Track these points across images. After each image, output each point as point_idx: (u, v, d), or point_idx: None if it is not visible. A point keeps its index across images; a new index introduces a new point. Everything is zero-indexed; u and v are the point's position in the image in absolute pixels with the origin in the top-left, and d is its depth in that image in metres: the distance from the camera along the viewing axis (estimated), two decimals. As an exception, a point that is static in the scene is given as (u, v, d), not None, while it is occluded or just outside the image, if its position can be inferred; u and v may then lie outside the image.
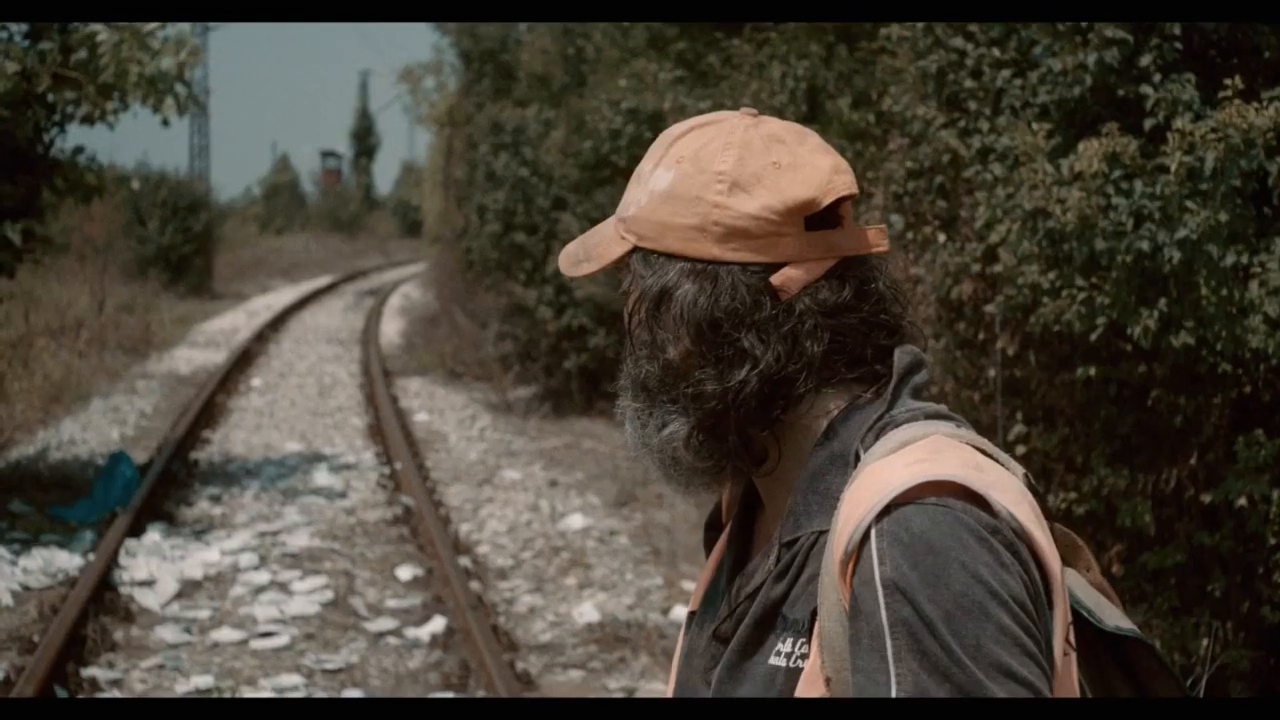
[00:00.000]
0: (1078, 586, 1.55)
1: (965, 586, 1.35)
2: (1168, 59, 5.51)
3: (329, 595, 8.66)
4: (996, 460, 1.48)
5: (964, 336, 6.05)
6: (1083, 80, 5.45)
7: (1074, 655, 1.47)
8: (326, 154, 71.49)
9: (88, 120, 10.10)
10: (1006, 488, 1.43)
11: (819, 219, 1.53)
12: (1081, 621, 1.52)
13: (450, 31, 22.23)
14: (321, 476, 12.05)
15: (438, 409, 16.13)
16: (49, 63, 9.91)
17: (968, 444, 1.47)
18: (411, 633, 7.97)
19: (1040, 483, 5.95)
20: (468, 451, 13.46)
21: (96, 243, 25.30)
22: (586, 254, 1.61)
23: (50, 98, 10.01)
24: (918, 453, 1.44)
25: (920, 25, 6.06)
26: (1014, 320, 5.73)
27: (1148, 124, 5.50)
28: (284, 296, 32.25)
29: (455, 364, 18.75)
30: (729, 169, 1.53)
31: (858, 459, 1.49)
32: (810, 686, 1.44)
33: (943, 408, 1.54)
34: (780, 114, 9.11)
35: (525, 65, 18.70)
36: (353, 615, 8.34)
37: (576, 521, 10.31)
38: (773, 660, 1.49)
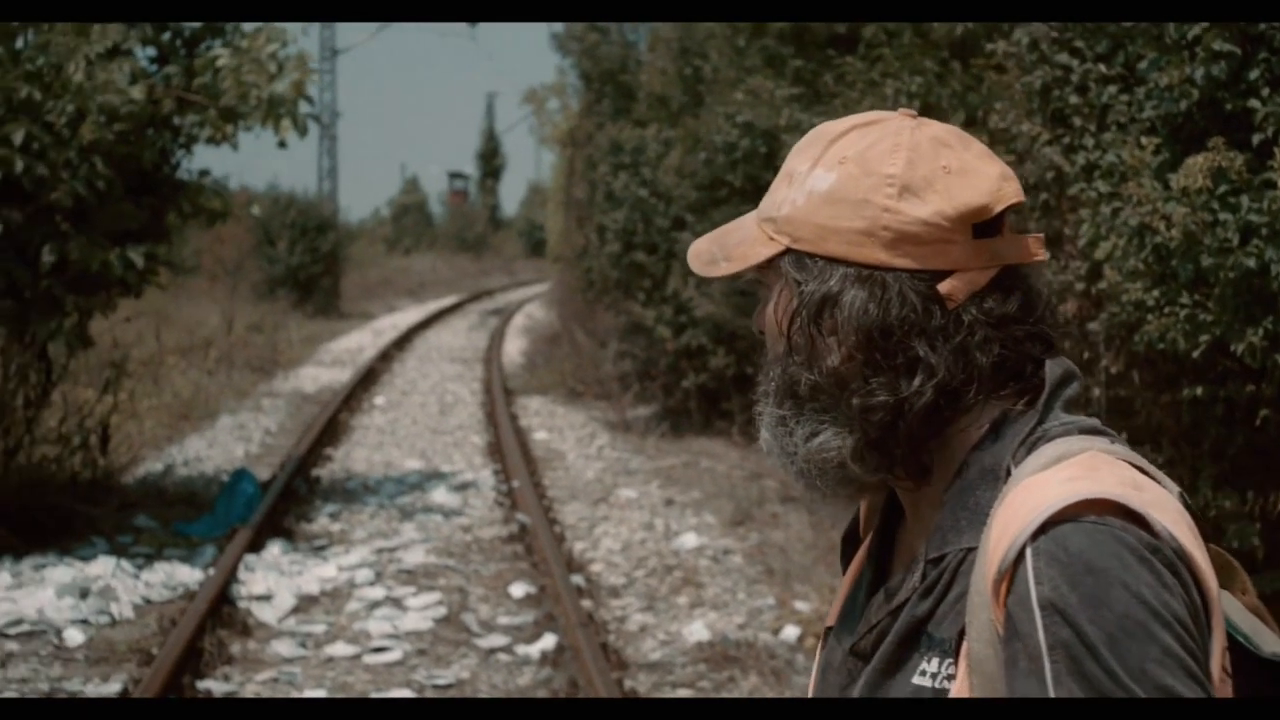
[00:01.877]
0: (1233, 610, 1.50)
1: (1127, 608, 1.32)
2: (1276, 72, 5.42)
3: (442, 611, 8.74)
4: (1154, 478, 1.44)
5: (1068, 355, 5.98)
6: (1189, 95, 5.38)
7: (1229, 682, 1.42)
8: (454, 175, 72.29)
9: (212, 141, 10.31)
10: (1165, 507, 1.40)
11: (985, 226, 1.51)
12: (1237, 647, 1.47)
13: (572, 53, 22.40)
14: (440, 494, 12.18)
15: (557, 427, 16.23)
16: (174, 86, 10.14)
17: (1124, 460, 1.44)
18: (522, 649, 8.02)
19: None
20: (585, 470, 13.53)
21: (226, 263, 25.83)
22: (725, 253, 1.57)
23: (175, 121, 10.24)
24: (1073, 469, 1.40)
25: (1026, 41, 6.01)
26: (1118, 338, 5.66)
27: (1255, 139, 5.40)
28: (410, 316, 32.63)
29: (575, 383, 18.85)
30: (899, 172, 1.49)
31: (1009, 474, 1.45)
32: None
33: (1097, 422, 1.51)
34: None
35: (644, 85, 18.79)
36: (465, 631, 8.42)
37: (690, 540, 10.32)
38: (916, 680, 1.46)
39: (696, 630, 8.22)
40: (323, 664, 7.82)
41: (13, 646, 7.88)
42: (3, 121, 9.12)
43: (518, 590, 9.17)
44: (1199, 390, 5.40)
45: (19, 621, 8.15)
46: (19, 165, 9.02)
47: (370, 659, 7.88)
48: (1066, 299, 5.79)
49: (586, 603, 8.70)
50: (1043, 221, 6.09)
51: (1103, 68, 5.74)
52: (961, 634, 1.41)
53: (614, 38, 21.34)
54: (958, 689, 1.41)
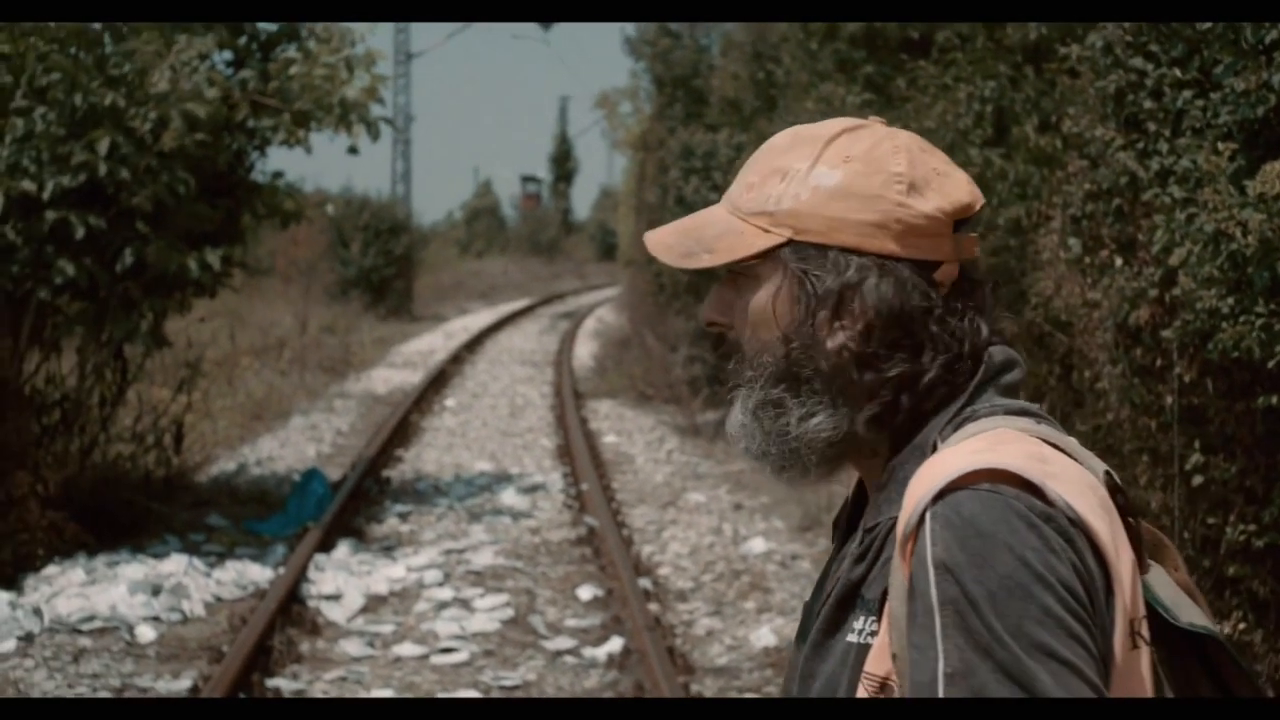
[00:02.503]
0: (1159, 584, 1.58)
1: (1010, 569, 1.41)
2: (1357, 77, 5.33)
3: (510, 613, 8.77)
4: (1073, 456, 1.54)
5: (1141, 363, 5.92)
6: (1266, 100, 5.30)
7: (1145, 650, 1.51)
8: (526, 179, 72.51)
9: (285, 144, 10.40)
10: (1070, 479, 1.49)
11: (959, 224, 1.64)
12: (1159, 618, 1.55)
13: (645, 57, 22.41)
14: (509, 496, 12.22)
15: (626, 431, 16.24)
16: (249, 90, 10.23)
17: (1039, 439, 1.53)
18: (589, 652, 8.03)
19: (1218, 514, 5.81)
20: (654, 474, 13.53)
21: (300, 265, 26.01)
22: (705, 246, 1.65)
23: (250, 124, 10.33)
24: (980, 443, 1.51)
25: (1100, 45, 5.96)
26: (1192, 346, 5.59)
27: (1335, 145, 5.32)
28: (481, 319, 32.76)
29: (645, 386, 18.86)
30: (904, 171, 1.61)
31: (934, 449, 1.56)
32: (878, 662, 1.51)
33: (1031, 405, 1.61)
34: (965, 137, 9.05)
35: (716, 90, 18.78)
36: (532, 633, 8.43)
37: (759, 545, 10.29)
38: (849, 638, 1.57)
39: (763, 635, 8.20)
40: (390, 664, 7.86)
41: (86, 642, 7.97)
42: (88, 127, 9.24)
43: (585, 593, 9.19)
44: (1274, 399, 5.32)
45: (92, 617, 8.24)
46: (102, 169, 9.13)
47: (437, 659, 7.91)
48: (1140, 305, 5.73)
49: (654, 606, 8.70)
50: (1116, 227, 6.03)
51: (1178, 72, 5.67)
52: (885, 594, 1.51)
53: (686, 42, 21.34)
54: (879, 644, 1.51)
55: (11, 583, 8.82)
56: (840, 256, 1.60)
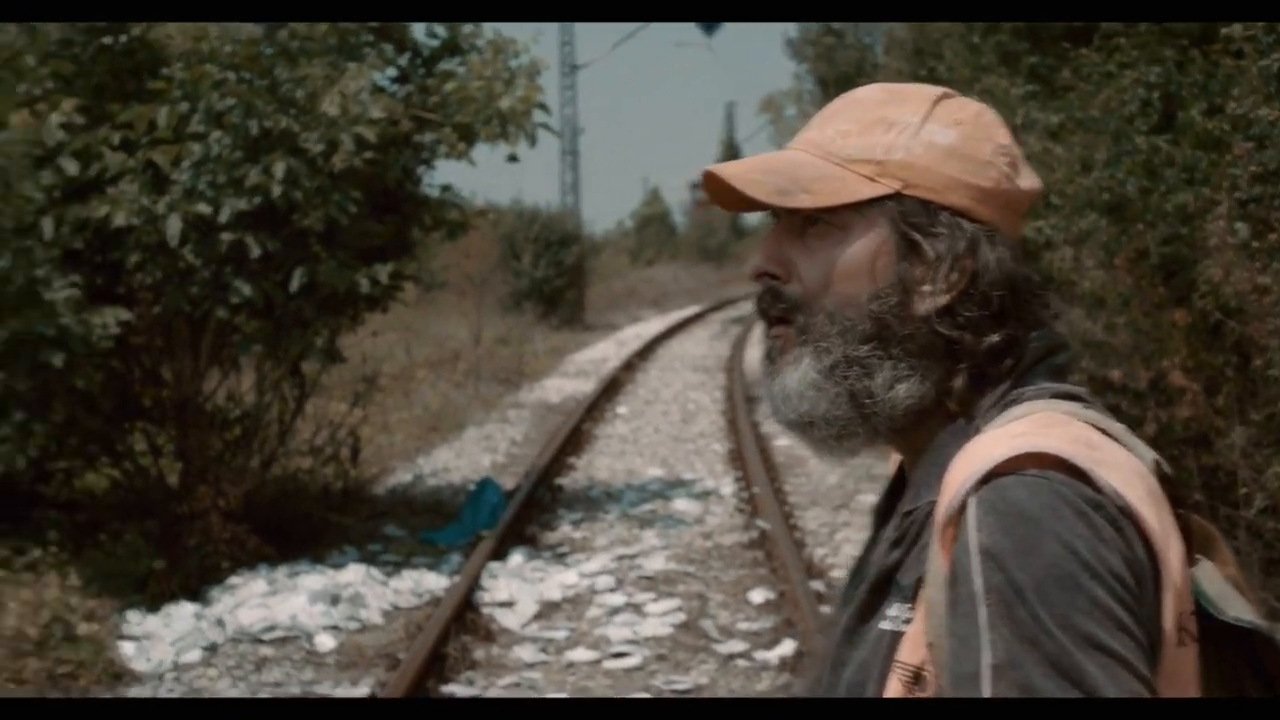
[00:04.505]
0: (1206, 577, 1.51)
1: (1057, 557, 1.35)
2: None
3: (681, 617, 8.79)
4: (1121, 442, 1.48)
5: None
6: None
7: (1193, 646, 1.44)
8: (695, 185, 72.63)
9: (449, 157, 10.54)
10: (1119, 466, 1.43)
11: None
12: (1205, 613, 1.48)
13: (807, 58, 22.34)
14: (680, 501, 12.25)
15: (798, 434, 16.16)
16: (412, 104, 10.40)
17: (1087, 423, 1.48)
18: (761, 655, 8.02)
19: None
20: (827, 476, 13.45)
21: (473, 278, 26.35)
22: (802, 186, 1.56)
23: (415, 139, 10.50)
24: (1025, 425, 1.45)
25: (1261, 24, 5.80)
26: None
27: None
28: (652, 326, 32.88)
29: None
30: (1008, 144, 1.59)
31: (977, 432, 1.51)
32: (912, 651, 1.46)
33: (1079, 389, 1.55)
34: (1131, 124, 8.86)
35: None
36: (704, 637, 8.44)
37: (931, 545, 10.18)
38: (882, 625, 1.52)
39: (937, 636, 8.11)
40: (564, 669, 7.92)
41: (268, 651, 8.17)
42: (262, 151, 9.47)
43: (757, 596, 9.17)
44: None
45: (273, 627, 8.44)
46: (276, 191, 9.35)
47: (610, 664, 7.96)
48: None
49: (827, 609, 8.65)
50: (1286, 209, 5.86)
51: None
52: (920, 580, 1.47)
53: (849, 41, 21.22)
54: (913, 632, 1.46)
55: (196, 594, 9.08)
56: (952, 218, 1.55)
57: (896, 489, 1.66)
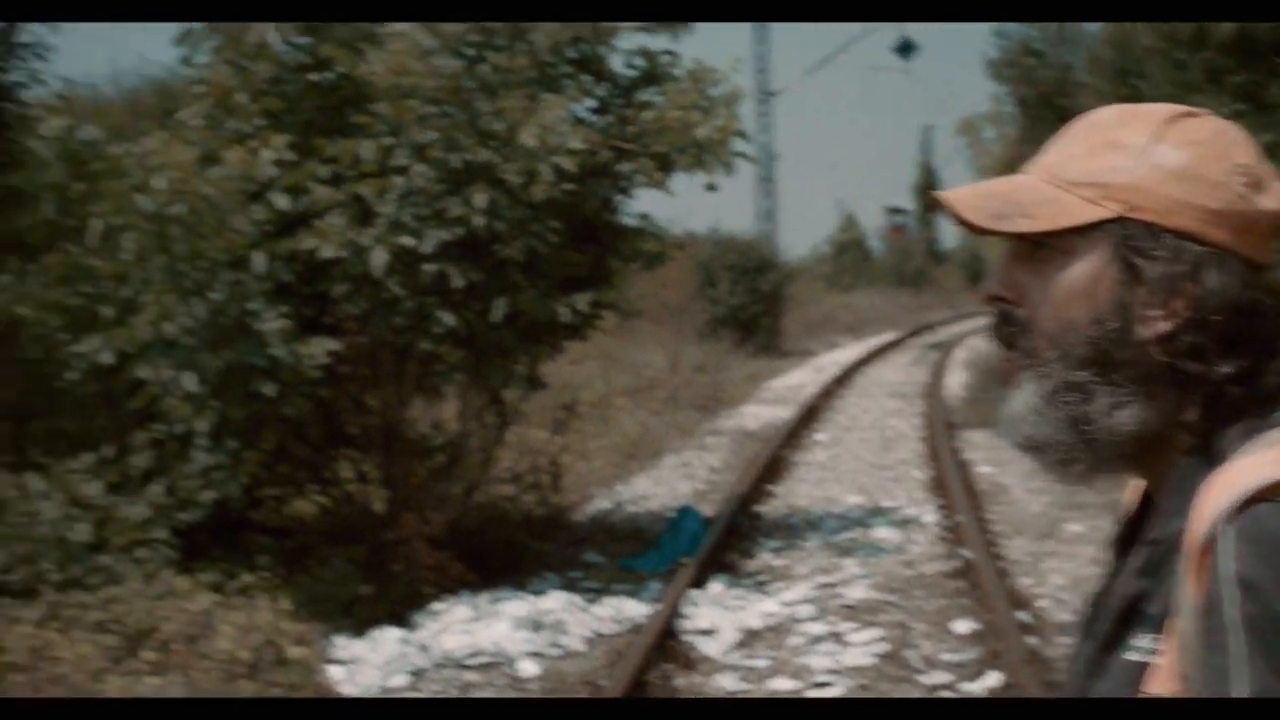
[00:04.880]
0: None
1: None
2: None
3: (885, 647, 8.69)
4: None
5: None
6: None
7: None
8: (892, 210, 72.10)
9: (646, 186, 10.60)
10: None
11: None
12: None
13: (1007, 79, 22.05)
14: (881, 529, 12.13)
15: (1001, 461, 15.90)
16: (611, 135, 10.48)
17: None
18: (966, 687, 7.89)
19: None
20: (1030, 504, 13.22)
21: (670, 306, 26.47)
22: (1022, 210, 1.55)
23: (613, 169, 10.58)
24: (1278, 453, 1.41)
25: None
26: None
27: None
28: (850, 352, 32.68)
29: (1019, 415, 18.42)
30: (1249, 164, 1.54)
31: (1225, 460, 1.46)
32: (1163, 683, 1.43)
33: None
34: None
35: (1083, 108, 18.30)
36: (907, 668, 8.33)
37: (1141, 575, 9.93)
38: (1129, 656, 1.49)
39: (1149, 669, 7.90)
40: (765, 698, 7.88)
41: (472, 677, 8.26)
42: (464, 183, 9.62)
43: (961, 626, 9.03)
44: None
45: (478, 653, 8.54)
46: (478, 222, 9.49)
47: (812, 694, 7.89)
48: None
49: (1033, 640, 8.49)
50: None
51: None
52: (1169, 610, 1.43)
53: (1050, 60, 20.90)
54: (1163, 663, 1.43)
55: (402, 620, 9.22)
56: (1177, 241, 1.51)
57: (1138, 518, 1.63)
